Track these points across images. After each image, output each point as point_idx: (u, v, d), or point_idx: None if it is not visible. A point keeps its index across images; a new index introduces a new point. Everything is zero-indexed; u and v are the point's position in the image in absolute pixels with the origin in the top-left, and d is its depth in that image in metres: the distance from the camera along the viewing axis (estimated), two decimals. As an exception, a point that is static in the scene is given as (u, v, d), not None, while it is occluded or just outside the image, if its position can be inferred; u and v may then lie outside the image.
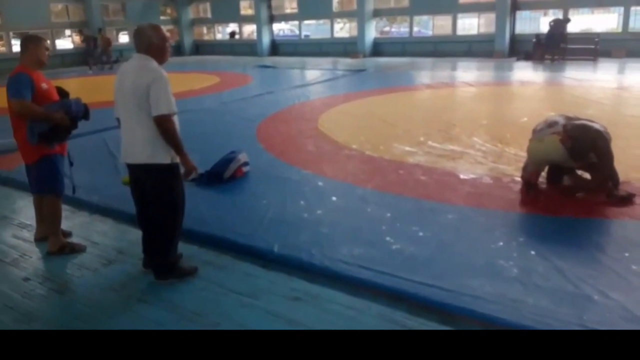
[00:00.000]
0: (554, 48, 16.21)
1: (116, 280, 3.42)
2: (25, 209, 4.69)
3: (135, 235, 3.80)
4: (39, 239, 4.00)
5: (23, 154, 3.75)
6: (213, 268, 3.51)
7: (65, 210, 4.59)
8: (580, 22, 18.66)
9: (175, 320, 2.93)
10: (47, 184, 3.77)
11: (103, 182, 5.27)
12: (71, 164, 3.91)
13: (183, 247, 3.71)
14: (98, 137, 6.97)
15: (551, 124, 4.41)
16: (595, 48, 16.06)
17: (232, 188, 5.02)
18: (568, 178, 4.53)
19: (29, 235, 4.14)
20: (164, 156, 3.14)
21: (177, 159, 3.20)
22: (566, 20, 16.30)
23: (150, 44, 3.10)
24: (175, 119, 3.20)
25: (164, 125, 3.05)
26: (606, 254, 3.39)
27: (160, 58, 3.17)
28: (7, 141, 5.55)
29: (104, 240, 4.06)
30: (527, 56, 17.00)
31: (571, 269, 3.16)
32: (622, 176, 4.38)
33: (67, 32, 23.89)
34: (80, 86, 15.10)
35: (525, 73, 14.08)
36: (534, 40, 16.79)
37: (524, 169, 4.73)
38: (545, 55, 16.32)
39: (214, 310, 2.99)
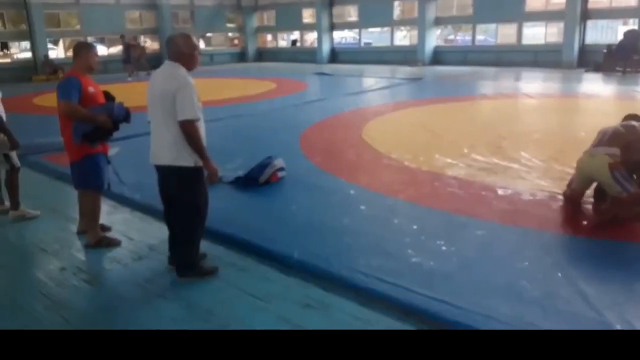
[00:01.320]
0: (626, 59, 15.27)
1: (142, 275, 3.58)
2: (73, 203, 5.00)
3: (168, 233, 3.97)
4: (80, 232, 4.27)
5: (68, 152, 4.03)
6: (234, 269, 3.60)
7: (109, 205, 4.90)
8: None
9: (188, 318, 3.04)
10: (88, 181, 4.02)
11: (147, 181, 5.49)
12: (108, 162, 4.15)
13: (210, 247, 3.86)
14: (146, 139, 7.33)
15: (610, 139, 4.20)
16: (674, 60, 15.00)
17: (265, 192, 5.13)
18: (610, 200, 4.26)
19: (74, 227, 4.42)
20: (187, 159, 3.26)
21: (200, 163, 3.32)
22: (636, 31, 15.27)
23: (180, 52, 3.24)
24: (202, 124, 3.32)
25: (188, 130, 3.18)
26: (634, 279, 3.17)
27: (189, 65, 3.30)
28: (53, 140, 5.98)
29: (139, 236, 4.27)
30: (597, 67, 16.14)
31: (597, 295, 2.98)
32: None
33: (141, 38, 25.25)
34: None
35: (592, 85, 13.38)
36: (605, 51, 15.90)
37: (569, 184, 4.52)
38: (617, 67, 15.41)
39: (227, 312, 3.07)
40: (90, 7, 22.15)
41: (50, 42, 21.75)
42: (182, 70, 3.22)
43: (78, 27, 22.41)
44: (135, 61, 19.07)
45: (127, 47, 19.29)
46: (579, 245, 3.75)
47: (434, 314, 2.87)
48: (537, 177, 5.30)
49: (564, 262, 3.44)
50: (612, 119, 8.59)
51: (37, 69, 20.25)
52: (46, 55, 20.29)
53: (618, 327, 2.69)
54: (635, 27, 15.43)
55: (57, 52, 22.30)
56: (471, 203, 4.65)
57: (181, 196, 3.33)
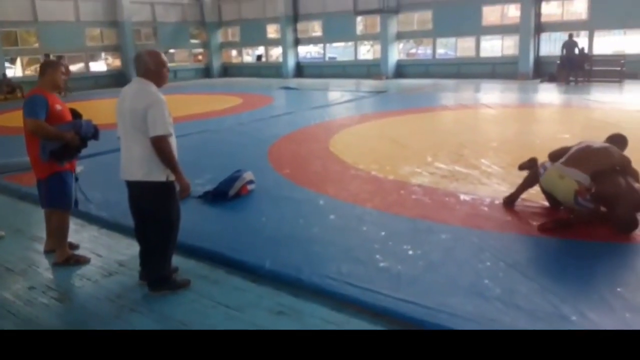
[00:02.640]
0: (577, 70, 16.02)
1: (113, 291, 3.58)
2: (38, 222, 4.93)
3: (138, 249, 3.97)
4: (48, 251, 4.22)
5: (35, 170, 4.00)
6: (206, 282, 3.64)
7: (76, 224, 4.85)
8: (612, 43, 18.38)
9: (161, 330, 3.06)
10: (56, 199, 4.00)
11: (114, 199, 5.48)
12: (76, 179, 4.14)
13: (181, 261, 3.88)
14: (115, 156, 7.28)
15: (584, 161, 4.23)
16: (621, 70, 15.82)
17: (235, 206, 5.18)
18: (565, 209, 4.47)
19: (40, 247, 4.36)
20: (159, 174, 3.30)
21: (172, 177, 3.36)
22: (573, 42, 16.01)
23: (147, 69, 3.29)
24: (173, 139, 3.36)
25: (159, 145, 3.22)
26: (593, 276, 3.38)
27: (158, 82, 3.35)
28: (21, 160, 5.88)
29: (108, 253, 4.26)
30: (551, 78, 16.88)
31: (554, 290, 3.17)
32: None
33: (102, 55, 24.94)
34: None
35: (546, 95, 13.98)
36: (558, 62, 16.65)
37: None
38: (570, 77, 16.14)
39: (200, 322, 3.11)
40: (48, 25, 21.74)
41: (8, 60, 21.21)
42: (152, 87, 3.28)
43: (36, 45, 21.95)
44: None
45: None
46: (537, 245, 3.96)
47: (403, 314, 2.99)
48: (497, 183, 5.54)
49: (523, 261, 3.63)
50: (562, 127, 9.08)
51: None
52: (4, 74, 19.74)
53: (573, 318, 2.86)
54: (572, 37, 16.10)
55: (14, 70, 21.76)
56: (435, 209, 4.82)
57: (153, 211, 3.36)
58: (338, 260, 3.74)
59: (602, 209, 4.25)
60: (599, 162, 4.20)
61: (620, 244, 3.90)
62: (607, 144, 4.45)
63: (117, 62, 24.73)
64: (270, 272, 3.63)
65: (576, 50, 15.91)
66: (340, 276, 3.48)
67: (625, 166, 4.22)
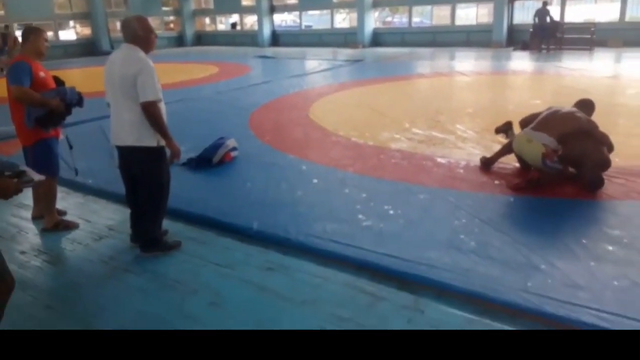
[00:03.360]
0: (549, 38, 16.29)
1: (105, 253, 3.69)
2: (24, 190, 4.96)
3: (125, 214, 4.04)
4: (35, 217, 4.28)
5: (20, 137, 4.01)
6: (196, 243, 3.78)
7: (62, 191, 4.88)
8: (583, 11, 18.67)
9: (156, 288, 3.20)
10: (42, 166, 4.01)
11: (98, 166, 5.54)
12: (70, 147, 4.18)
13: (170, 225, 4.00)
14: (96, 124, 7.25)
15: (551, 126, 4.42)
16: (591, 38, 16.16)
17: (220, 172, 5.28)
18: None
19: (27, 214, 4.41)
20: (150, 139, 3.37)
21: (163, 142, 3.44)
22: (545, 10, 16.26)
23: (136, 35, 3.33)
24: (162, 105, 3.42)
25: (150, 110, 3.28)
26: (561, 229, 3.64)
27: (146, 48, 3.39)
28: (8, 128, 5.82)
29: (96, 218, 4.34)
30: (524, 46, 17.13)
31: (525, 243, 3.41)
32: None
33: (71, 23, 24.13)
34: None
35: (519, 63, 14.23)
36: (531, 30, 16.87)
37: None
38: (542, 45, 16.41)
39: (193, 279, 3.26)
40: (14, -9, 20.91)
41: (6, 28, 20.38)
42: (141, 53, 3.31)
43: (1, 12, 21.10)
44: (8, 53, 16.47)
45: (3, 37, 17.20)
46: (509, 203, 4.19)
47: (384, 266, 3.19)
48: (471, 147, 5.76)
49: (496, 218, 3.86)
50: (533, 93, 9.35)
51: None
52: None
53: (542, 266, 3.11)
54: (546, 6, 16.31)
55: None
56: (413, 172, 5.02)
57: (145, 175, 3.45)
58: (323, 220, 3.91)
59: (571, 169, 4.51)
60: (566, 125, 4.42)
61: (587, 200, 4.16)
62: (574, 109, 4.68)
63: (86, 31, 24.02)
64: (259, 233, 3.78)
65: (548, 19, 16.14)
66: (325, 234, 3.66)
67: (591, 129, 4.45)
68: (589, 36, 16.28)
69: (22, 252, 3.74)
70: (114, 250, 3.75)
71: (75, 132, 6.24)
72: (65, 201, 4.71)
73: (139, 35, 3.31)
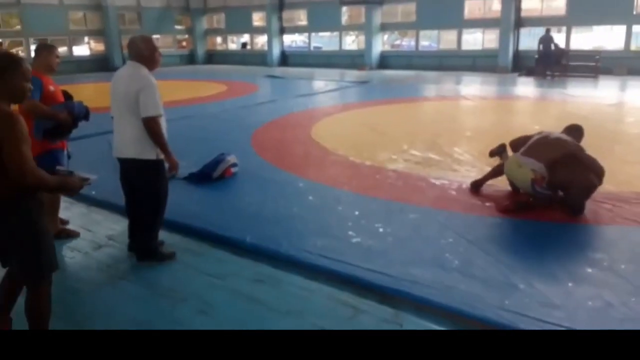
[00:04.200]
0: (554, 64, 16.49)
1: (103, 261, 3.84)
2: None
3: (125, 224, 4.20)
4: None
5: (28, 148, 4.20)
6: (191, 254, 3.92)
7: (67, 201, 5.05)
8: (590, 39, 18.91)
9: (149, 295, 3.34)
10: (47, 176, 4.21)
11: (101, 178, 5.67)
12: (69, 157, 4.36)
13: (167, 236, 4.14)
14: (102, 138, 7.47)
15: (540, 152, 4.53)
16: (596, 65, 16.33)
17: (219, 187, 5.45)
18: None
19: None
20: (150, 153, 3.55)
21: (162, 156, 3.61)
22: (549, 37, 16.53)
23: (141, 54, 3.53)
24: (163, 121, 3.61)
25: (150, 125, 3.46)
26: (544, 251, 3.74)
27: (150, 66, 3.59)
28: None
29: (97, 228, 4.50)
30: (529, 72, 17.32)
31: (508, 263, 3.52)
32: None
33: (85, 39, 24.75)
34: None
35: (523, 88, 14.42)
36: (536, 56, 17.09)
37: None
38: (547, 72, 16.61)
39: (185, 288, 3.39)
40: (31, 8, 21.53)
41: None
42: (144, 70, 3.51)
43: (19, 27, 21.74)
44: None
45: None
46: (497, 225, 4.31)
47: (368, 281, 3.31)
48: (466, 169, 5.90)
49: (483, 239, 3.97)
50: (533, 118, 9.48)
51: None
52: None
53: (521, 286, 3.21)
54: (549, 33, 16.63)
55: (-4, 53, 21.49)
56: (407, 192, 5.15)
57: (144, 186, 3.62)
58: (314, 236, 4.05)
59: (560, 193, 4.61)
60: (554, 151, 4.52)
61: (573, 224, 4.27)
62: (562, 135, 4.80)
63: (100, 47, 24.58)
64: (251, 246, 3.92)
65: (552, 46, 16.39)
66: (316, 249, 3.78)
67: (578, 154, 4.56)
68: (594, 64, 16.45)
69: (24, 258, 3.88)
70: (112, 258, 3.90)
71: (83, 145, 6.46)
72: (69, 211, 4.88)
73: (144, 54, 3.51)
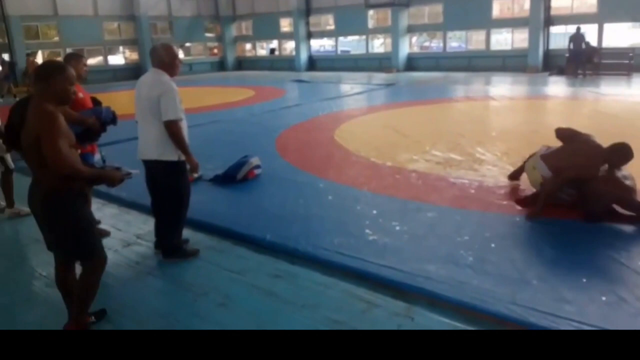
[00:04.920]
0: (585, 63, 16.15)
1: (132, 258, 4.04)
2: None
3: (153, 224, 4.41)
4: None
5: (61, 152, 4.46)
6: (213, 251, 4.08)
7: (99, 203, 5.32)
8: (625, 37, 18.43)
9: (173, 289, 3.53)
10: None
11: (131, 181, 5.94)
12: (103, 160, 4.60)
13: (192, 235, 4.33)
14: (130, 143, 7.77)
15: (551, 160, 4.53)
16: (630, 63, 15.90)
17: (243, 188, 5.62)
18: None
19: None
20: (171, 154, 3.73)
21: (183, 157, 3.79)
22: (580, 35, 16.24)
23: (162, 61, 3.72)
24: (184, 124, 3.79)
25: (171, 128, 3.64)
26: (559, 249, 3.75)
27: (171, 72, 3.77)
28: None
29: (126, 227, 4.72)
30: (560, 71, 17.00)
31: (522, 260, 3.55)
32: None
33: (120, 49, 25.59)
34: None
35: (552, 88, 14.18)
36: (567, 55, 16.76)
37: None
38: (578, 70, 16.27)
39: (206, 283, 3.55)
40: (68, 19, 22.45)
41: (29, 54, 21.94)
42: (165, 77, 3.70)
43: (56, 38, 22.67)
44: (26, 77, 17.30)
45: (10, 66, 18.52)
46: (513, 224, 4.30)
47: (383, 277, 3.39)
48: (487, 169, 5.89)
49: (498, 236, 3.99)
50: (561, 118, 9.32)
51: (17, 79, 20.42)
52: (26, 67, 20.46)
53: (534, 282, 3.23)
54: (580, 31, 16.30)
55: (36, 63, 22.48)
56: (426, 191, 5.20)
57: (167, 186, 3.81)
58: (332, 234, 4.15)
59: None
60: (559, 162, 4.43)
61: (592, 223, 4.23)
62: (595, 150, 4.41)
63: (134, 56, 25.38)
64: (271, 243, 4.06)
65: (583, 45, 16.06)
66: (333, 246, 3.89)
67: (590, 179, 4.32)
68: (627, 61, 16.02)
69: (59, 255, 4.13)
70: (140, 256, 4.10)
71: (114, 149, 6.75)
72: (101, 212, 5.13)
73: (165, 61, 3.70)
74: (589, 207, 4.27)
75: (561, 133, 4.85)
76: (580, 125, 6.37)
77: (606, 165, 4.37)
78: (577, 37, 16.10)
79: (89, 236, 2.85)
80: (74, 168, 2.61)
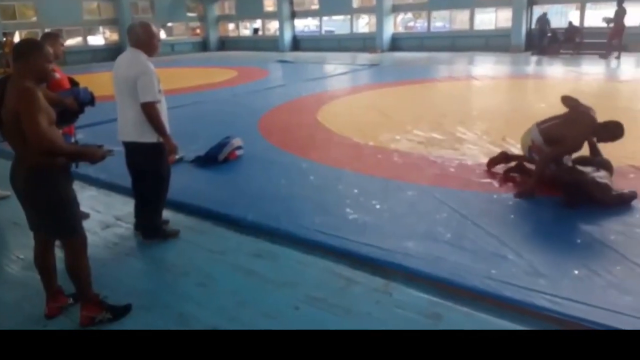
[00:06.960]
0: (567, 42, 16.30)
1: (111, 240, 4.03)
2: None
3: (132, 206, 4.39)
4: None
5: (37, 133, 4.39)
6: (194, 232, 4.08)
7: (77, 185, 5.18)
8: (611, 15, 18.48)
9: (154, 270, 3.53)
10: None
11: (111, 162, 5.87)
12: (76, 143, 4.54)
13: (173, 216, 4.31)
14: (109, 125, 7.67)
15: (545, 128, 4.56)
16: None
17: (224, 169, 5.60)
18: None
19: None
20: (150, 136, 3.68)
21: (162, 139, 3.75)
22: (546, 19, 17.04)
23: (139, 40, 3.64)
24: (163, 105, 3.73)
25: (148, 110, 3.58)
26: (537, 224, 3.82)
27: (149, 52, 3.69)
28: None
29: (105, 209, 4.69)
30: (542, 50, 17.08)
31: (498, 236, 3.60)
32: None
33: (100, 29, 25.02)
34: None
35: (534, 67, 14.26)
36: (549, 35, 16.83)
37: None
38: (560, 50, 16.36)
39: (188, 263, 3.56)
40: (46, -2, 21.85)
41: (6, 34, 21.37)
42: (143, 56, 3.62)
43: (34, 18, 22.07)
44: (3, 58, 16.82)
45: None
46: (492, 201, 4.35)
47: (363, 254, 3.43)
48: (467, 148, 5.94)
49: (476, 213, 4.04)
50: (539, 97, 9.41)
51: (-6, 61, 19.91)
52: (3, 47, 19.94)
53: (510, 257, 3.30)
54: (546, 16, 16.92)
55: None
56: (407, 170, 5.24)
57: (146, 168, 3.77)
58: (313, 213, 4.17)
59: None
60: (554, 132, 4.46)
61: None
62: (588, 120, 4.40)
63: (114, 36, 24.84)
64: (252, 223, 4.07)
65: (547, 27, 16.77)
66: (313, 225, 3.91)
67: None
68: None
69: (37, 238, 4.09)
70: (119, 237, 4.08)
71: (93, 131, 6.66)
72: (80, 194, 4.94)
73: (142, 39, 3.62)
74: (610, 199, 4.11)
75: (566, 101, 4.76)
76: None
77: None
78: (542, 20, 16.62)
79: (71, 213, 2.84)
80: (53, 144, 2.62)
